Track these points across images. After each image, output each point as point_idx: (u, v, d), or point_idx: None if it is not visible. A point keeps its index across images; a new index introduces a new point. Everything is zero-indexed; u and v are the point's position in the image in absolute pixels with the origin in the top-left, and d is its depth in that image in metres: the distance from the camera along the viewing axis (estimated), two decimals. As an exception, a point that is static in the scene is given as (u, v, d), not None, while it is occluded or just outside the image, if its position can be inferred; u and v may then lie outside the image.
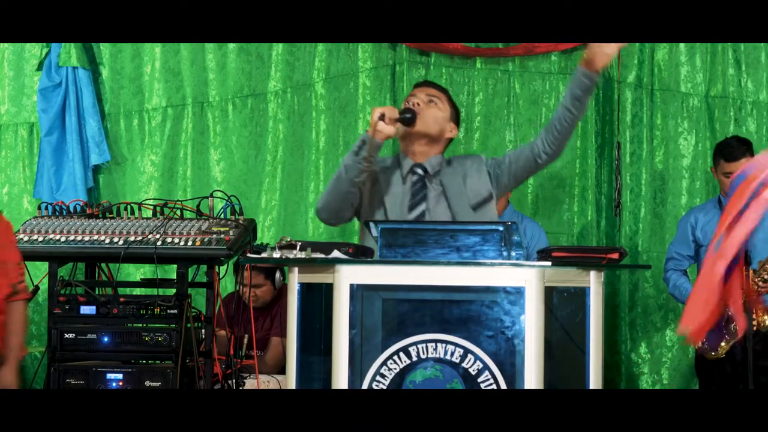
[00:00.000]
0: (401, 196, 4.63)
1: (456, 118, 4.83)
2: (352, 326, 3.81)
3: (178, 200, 5.22)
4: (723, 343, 6.15)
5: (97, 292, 4.92)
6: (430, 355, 3.78)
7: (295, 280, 3.93)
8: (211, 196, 5.12)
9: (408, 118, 4.59)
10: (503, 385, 3.75)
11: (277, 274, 5.41)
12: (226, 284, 6.56)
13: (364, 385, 3.79)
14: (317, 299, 3.93)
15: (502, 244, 3.90)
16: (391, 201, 4.61)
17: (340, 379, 3.81)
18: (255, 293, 5.39)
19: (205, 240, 4.79)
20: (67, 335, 4.81)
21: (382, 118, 4.48)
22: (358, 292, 3.82)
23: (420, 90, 4.79)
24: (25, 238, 4.89)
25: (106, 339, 4.81)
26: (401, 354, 3.79)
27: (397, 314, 3.83)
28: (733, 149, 6.26)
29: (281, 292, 6.53)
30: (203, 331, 4.90)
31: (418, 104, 4.67)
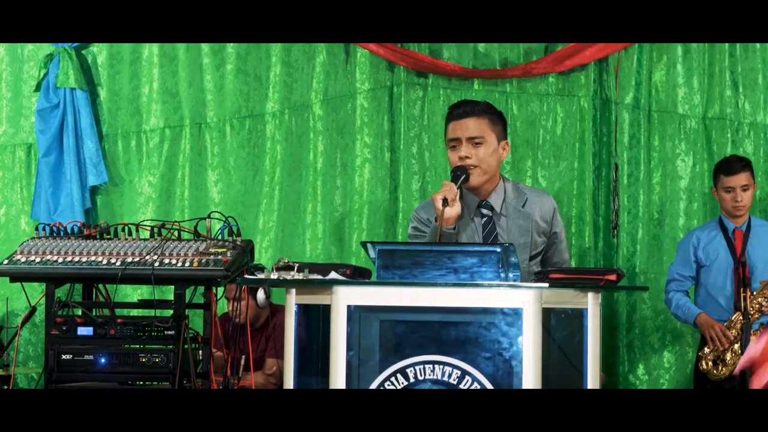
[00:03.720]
0: (473, 236, 4.65)
1: (504, 133, 4.77)
2: (349, 347, 3.80)
3: (176, 221, 5.21)
4: (728, 365, 6.16)
5: (94, 313, 4.91)
6: (427, 377, 3.77)
7: (292, 301, 3.93)
8: (209, 217, 5.11)
9: (463, 179, 4.59)
10: (501, 407, 3.74)
11: (260, 292, 5.39)
12: (224, 305, 6.55)
13: (362, 407, 3.79)
14: (315, 320, 3.93)
15: (500, 266, 3.89)
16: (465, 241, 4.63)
17: (338, 401, 3.80)
18: (237, 306, 5.38)
19: (203, 261, 4.78)
20: (64, 356, 4.79)
21: (445, 203, 4.46)
22: (355, 313, 3.81)
23: (460, 129, 4.68)
24: (23, 259, 4.89)
25: (103, 360, 4.79)
26: (399, 375, 3.78)
27: (394, 335, 3.83)
28: (731, 163, 6.32)
29: (273, 312, 6.52)
30: (200, 352, 4.89)
31: (467, 156, 4.64)
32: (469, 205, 4.71)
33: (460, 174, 4.59)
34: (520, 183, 4.94)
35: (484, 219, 4.69)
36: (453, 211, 4.47)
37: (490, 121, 4.70)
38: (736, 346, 6.11)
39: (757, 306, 6.04)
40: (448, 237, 4.49)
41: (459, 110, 4.75)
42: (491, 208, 4.69)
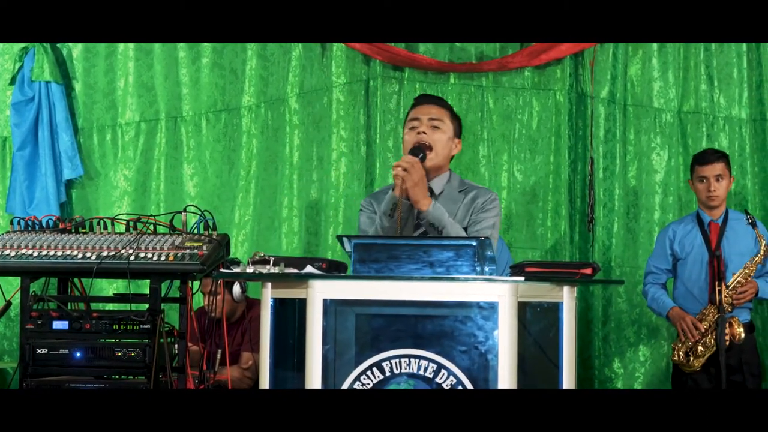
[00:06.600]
0: (407, 217, 4.60)
1: (459, 131, 4.75)
2: (325, 341, 3.80)
3: (152, 215, 5.20)
4: (699, 357, 6.19)
5: (69, 308, 4.89)
6: (403, 371, 3.78)
7: (268, 295, 3.93)
8: (185, 210, 5.10)
9: (422, 156, 4.50)
10: (477, 400, 3.75)
11: (236, 287, 5.37)
12: (200, 299, 6.54)
13: (338, 401, 3.78)
14: (290, 314, 3.92)
15: (476, 260, 3.89)
16: (394, 223, 4.57)
17: (314, 395, 3.80)
18: (213, 300, 5.37)
19: (179, 255, 4.77)
20: (39, 350, 4.77)
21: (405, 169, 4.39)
22: (331, 307, 3.81)
23: (422, 111, 4.66)
24: (-3, 253, 4.87)
25: (78, 354, 4.78)
26: (374, 369, 3.78)
27: (370, 329, 3.83)
28: (706, 154, 6.35)
29: (249, 306, 6.51)
30: (176, 346, 4.88)
31: (424, 132, 4.57)
32: None
33: (417, 151, 4.51)
34: (470, 181, 4.90)
35: None
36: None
37: (450, 115, 4.70)
38: (708, 338, 6.13)
39: (728, 299, 6.06)
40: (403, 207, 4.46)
41: (425, 99, 4.80)
42: (431, 191, 4.64)
